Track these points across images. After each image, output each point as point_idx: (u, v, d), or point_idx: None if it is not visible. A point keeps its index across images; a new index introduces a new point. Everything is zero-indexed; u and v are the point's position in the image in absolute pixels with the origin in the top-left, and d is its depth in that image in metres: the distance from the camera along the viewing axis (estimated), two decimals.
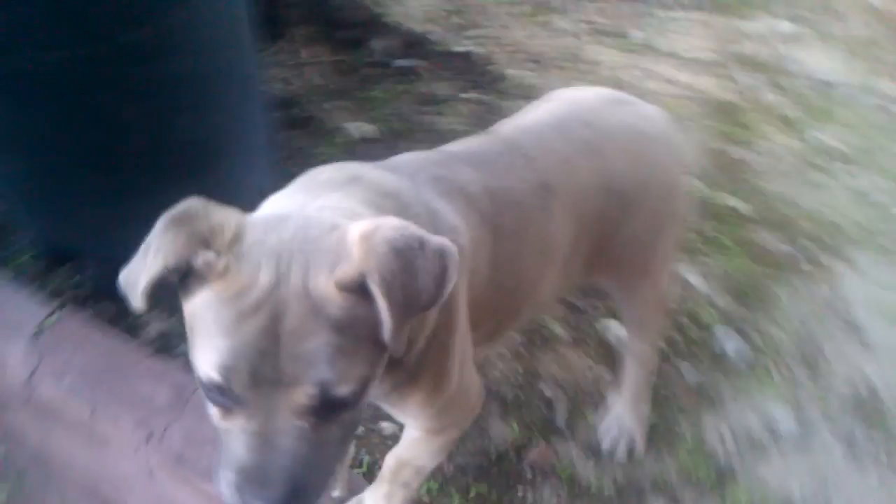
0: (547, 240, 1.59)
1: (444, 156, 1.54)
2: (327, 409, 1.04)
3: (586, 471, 2.17)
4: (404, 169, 1.42)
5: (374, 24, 3.28)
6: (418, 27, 3.34)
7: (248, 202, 2.31)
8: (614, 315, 2.47)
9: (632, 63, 3.36)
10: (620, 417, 2.21)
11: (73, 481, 2.22)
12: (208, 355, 1.02)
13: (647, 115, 1.80)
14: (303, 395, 1.02)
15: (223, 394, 1.03)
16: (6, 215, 2.51)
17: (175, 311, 2.40)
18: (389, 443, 2.14)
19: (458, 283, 1.36)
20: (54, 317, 2.16)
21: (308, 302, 1.01)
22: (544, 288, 1.67)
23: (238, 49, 2.22)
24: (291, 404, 1.02)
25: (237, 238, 1.05)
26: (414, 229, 1.07)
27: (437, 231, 1.30)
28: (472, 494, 2.09)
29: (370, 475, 2.05)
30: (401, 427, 2.14)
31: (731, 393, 2.36)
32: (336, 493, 1.84)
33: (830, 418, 2.31)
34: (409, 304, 1.04)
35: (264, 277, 1.02)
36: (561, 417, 2.28)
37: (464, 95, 3.14)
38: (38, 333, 2.13)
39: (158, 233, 1.07)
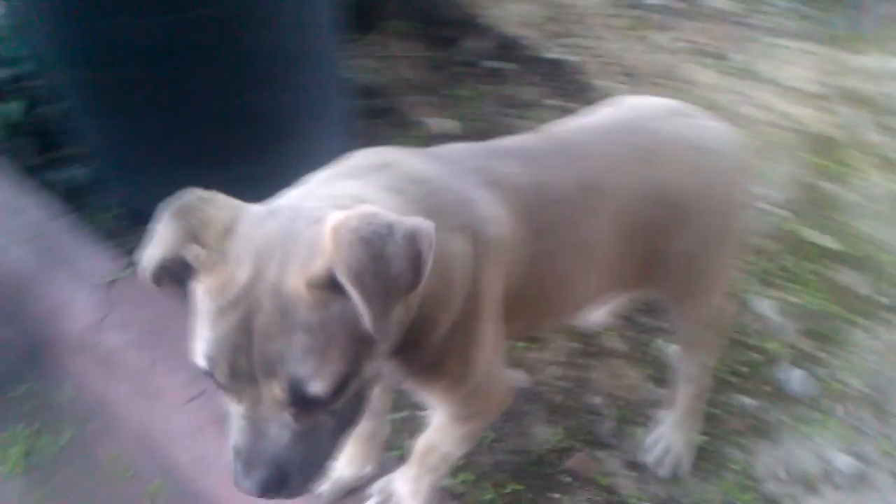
0: (590, 241, 1.58)
1: (491, 148, 1.54)
2: (304, 403, 1.07)
3: (627, 484, 2.13)
4: (446, 157, 1.43)
5: (468, 24, 3.31)
6: (512, 30, 3.35)
7: None
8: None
9: (729, 86, 3.28)
10: (669, 434, 2.16)
11: (129, 431, 2.32)
12: (197, 343, 1.07)
13: (711, 129, 1.76)
14: (277, 389, 1.05)
15: (212, 380, 1.08)
16: (95, 173, 2.64)
17: None
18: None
19: (488, 273, 1.38)
20: (126, 272, 2.25)
21: (279, 300, 1.03)
22: (585, 289, 1.66)
23: (318, 31, 2.29)
24: (270, 396, 1.06)
25: (227, 232, 1.08)
26: (383, 216, 1.06)
27: (469, 220, 1.33)
28: (507, 491, 2.08)
29: (404, 460, 2.07)
30: None
31: (788, 427, 2.28)
32: (367, 470, 1.86)
33: (892, 462, 2.20)
34: (386, 291, 1.03)
35: (242, 273, 1.05)
36: (607, 429, 2.24)
37: (548, 102, 3.13)
38: (109, 286, 2.23)
39: (159, 224, 1.11)
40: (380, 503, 1.82)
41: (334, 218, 1.05)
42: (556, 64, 3.29)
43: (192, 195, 1.11)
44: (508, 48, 3.31)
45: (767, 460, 2.20)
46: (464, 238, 1.31)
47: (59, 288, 2.25)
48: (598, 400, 2.29)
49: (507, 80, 3.21)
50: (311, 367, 1.03)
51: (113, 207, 2.58)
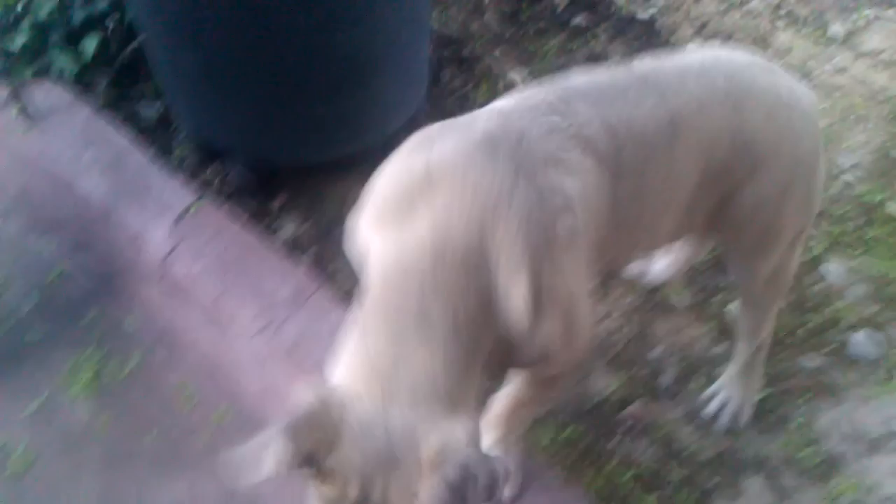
0: (669, 180, 1.58)
1: (563, 92, 1.52)
2: None
3: (684, 435, 2.14)
4: (515, 124, 1.43)
5: None
6: None
7: (396, 124, 2.41)
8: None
9: (825, 56, 3.21)
10: (728, 387, 2.16)
11: (193, 361, 2.37)
12: None
13: (794, 88, 1.74)
14: None
15: None
16: (169, 108, 2.68)
17: (305, 220, 2.53)
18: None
19: (580, 241, 1.41)
20: (198, 204, 2.29)
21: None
22: (662, 229, 1.66)
23: None
24: None
25: (334, 450, 1.22)
26: (474, 463, 1.18)
27: (542, 211, 1.36)
28: (563, 434, 2.10)
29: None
30: None
31: (850, 388, 2.26)
32: None
33: None
34: None
35: (352, 492, 1.21)
36: (666, 381, 2.25)
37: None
38: (181, 217, 2.27)
39: (273, 441, 1.20)
40: None
41: (430, 449, 1.18)
42: (648, 24, 3.24)
43: (300, 419, 1.22)
44: (600, 5, 3.25)
45: (828, 419, 2.19)
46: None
47: (132, 218, 2.29)
48: (657, 352, 2.30)
49: (596, 38, 3.17)
50: None
51: (186, 142, 2.62)
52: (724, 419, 2.15)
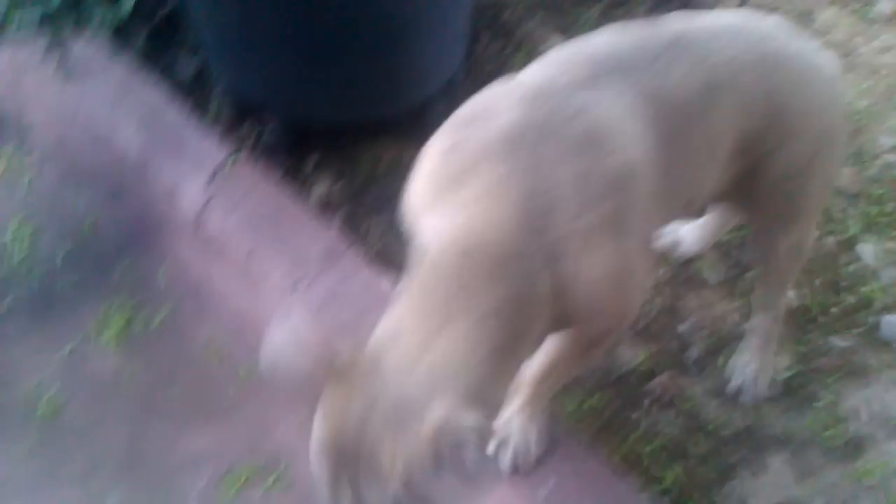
0: (708, 143, 1.56)
1: (592, 64, 1.49)
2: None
3: (709, 410, 2.13)
4: (544, 102, 1.41)
5: None
6: None
7: (433, 88, 2.40)
8: None
9: (869, 35, 3.15)
10: (746, 360, 2.17)
11: (223, 316, 2.40)
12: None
13: (819, 56, 1.73)
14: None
15: None
16: (206, 63, 2.68)
17: (338, 180, 2.53)
18: None
19: (636, 212, 1.40)
20: (232, 160, 2.30)
21: (376, 474, 1.18)
22: (700, 192, 1.65)
23: None
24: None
25: (344, 380, 1.23)
26: (470, 450, 1.14)
27: (594, 191, 1.34)
28: (585, 405, 2.11)
29: None
30: None
31: (878, 371, 2.24)
32: None
33: None
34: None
35: (349, 434, 1.20)
36: (692, 355, 2.24)
37: None
38: (216, 172, 2.28)
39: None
40: (494, 447, 1.78)
41: (432, 423, 1.15)
42: None
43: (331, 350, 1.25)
44: None
45: (855, 400, 2.18)
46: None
47: (167, 172, 2.31)
48: (687, 326, 2.29)
49: (637, 6, 3.13)
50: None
51: (222, 98, 2.62)
52: (747, 394, 2.15)
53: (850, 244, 2.52)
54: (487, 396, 1.28)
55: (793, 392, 2.18)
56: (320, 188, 2.46)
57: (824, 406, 2.16)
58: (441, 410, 1.16)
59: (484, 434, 1.18)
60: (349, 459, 1.19)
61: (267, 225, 2.19)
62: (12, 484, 2.08)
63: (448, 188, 1.38)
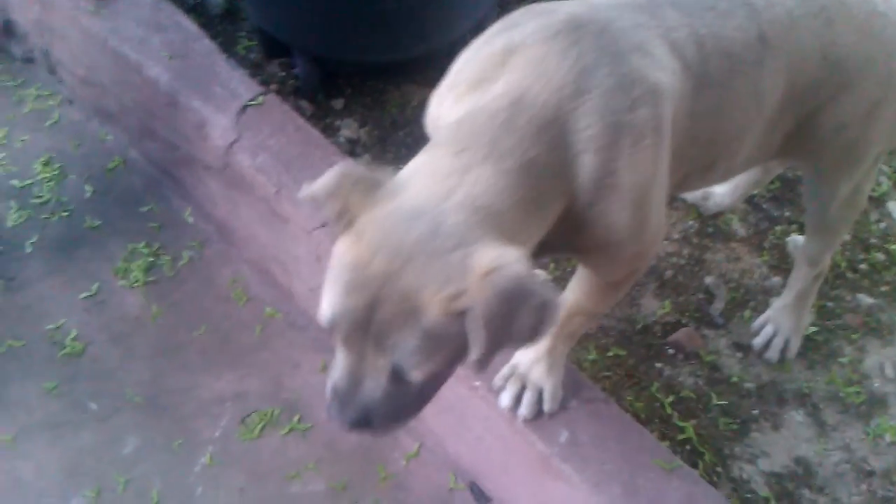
0: (754, 97, 1.53)
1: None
2: (399, 378, 1.21)
3: (731, 364, 2.14)
4: (602, 13, 1.38)
5: None
6: None
7: (463, 29, 2.37)
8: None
9: None
10: (779, 316, 2.14)
11: (249, 256, 2.41)
12: (324, 304, 1.21)
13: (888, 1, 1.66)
14: (382, 362, 1.19)
15: (329, 334, 1.23)
16: (234, 1, 2.66)
17: (365, 123, 2.52)
18: None
19: (661, 135, 1.36)
20: (259, 100, 2.28)
21: (408, 304, 1.13)
22: (742, 148, 1.61)
23: None
24: (374, 363, 1.20)
25: (367, 207, 1.18)
26: (526, 281, 1.13)
27: (629, 96, 1.31)
28: (609, 355, 2.11)
29: None
30: (555, 276, 2.19)
31: None
32: None
33: None
34: (499, 342, 1.15)
35: (378, 264, 1.14)
36: (717, 308, 2.23)
37: None
38: (245, 108, 2.27)
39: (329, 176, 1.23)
40: (515, 393, 1.79)
41: (483, 261, 1.12)
42: None
43: (361, 168, 1.23)
44: None
45: (876, 359, 2.17)
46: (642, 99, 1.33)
47: (197, 106, 2.29)
48: (710, 280, 2.28)
49: None
50: (416, 361, 1.17)
51: (251, 35, 2.61)
52: (774, 351, 2.14)
53: (881, 201, 2.49)
54: (522, 239, 1.26)
55: (817, 347, 2.18)
56: (348, 130, 2.45)
57: (848, 362, 2.16)
58: (488, 247, 1.14)
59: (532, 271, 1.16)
60: (378, 281, 1.14)
61: (295, 164, 2.18)
62: (36, 422, 2.12)
63: (491, 69, 1.36)
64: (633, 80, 1.33)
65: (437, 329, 1.14)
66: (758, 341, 2.16)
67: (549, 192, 1.30)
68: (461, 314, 1.12)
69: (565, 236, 1.38)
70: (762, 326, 2.17)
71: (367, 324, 1.16)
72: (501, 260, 1.12)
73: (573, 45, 1.31)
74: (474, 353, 1.14)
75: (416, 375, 1.19)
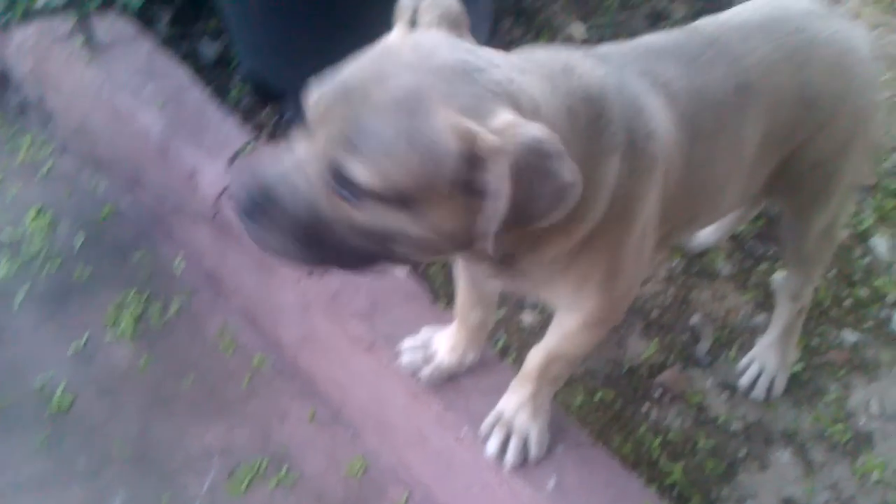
0: (739, 143, 1.57)
1: (648, 49, 1.52)
2: (337, 179, 1.07)
3: (717, 404, 2.15)
4: (615, 60, 1.41)
5: None
6: None
7: None
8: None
9: (893, 26, 3.12)
10: (764, 354, 2.17)
11: (237, 305, 2.42)
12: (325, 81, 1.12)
13: (852, 34, 1.72)
14: (333, 144, 1.06)
15: (301, 116, 1.13)
16: (227, 48, 2.70)
17: None
18: (527, 332, 2.19)
19: (646, 185, 1.38)
20: (250, 147, 2.31)
21: (412, 102, 1.04)
22: (727, 194, 1.66)
23: None
24: (322, 147, 1.08)
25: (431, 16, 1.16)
26: (558, 154, 1.05)
27: (633, 135, 1.32)
28: (596, 398, 2.13)
29: (502, 356, 2.12)
30: (541, 320, 2.21)
31: (887, 365, 2.25)
32: (469, 359, 1.90)
33: None
34: (520, 209, 1.05)
35: (408, 56, 1.09)
36: (703, 348, 2.25)
37: None
38: (236, 157, 2.29)
39: None
40: (502, 440, 1.78)
41: (515, 117, 1.05)
42: None
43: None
44: None
45: (862, 395, 2.19)
46: (617, 157, 1.30)
47: (187, 155, 2.31)
48: (696, 319, 2.30)
49: None
50: (378, 158, 1.04)
51: (243, 82, 2.64)
52: (760, 391, 2.16)
53: (864, 237, 2.51)
54: None
55: (802, 385, 2.20)
56: None
57: (833, 400, 2.17)
58: (507, 110, 1.07)
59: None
60: (398, 66, 1.08)
61: None
62: (23, 480, 2.11)
63: None
64: (644, 117, 1.36)
65: (429, 145, 1.04)
66: (743, 381, 2.18)
67: (574, 144, 1.19)
68: (469, 157, 1.04)
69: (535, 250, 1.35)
70: (748, 366, 2.19)
71: (350, 102, 1.07)
72: (534, 126, 1.05)
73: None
74: (489, 217, 1.05)
75: (360, 173, 1.05)
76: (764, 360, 2.17)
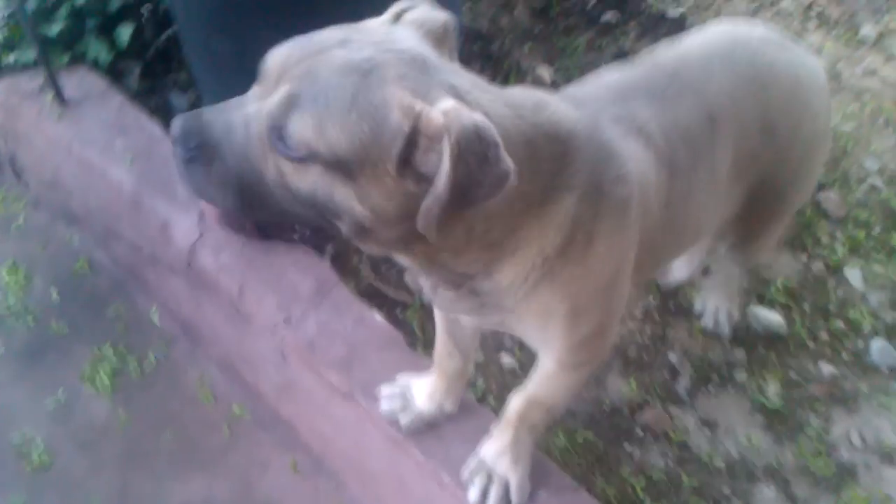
0: (714, 174, 1.59)
1: (616, 90, 1.52)
2: (276, 135, 1.07)
3: (700, 441, 2.14)
4: (590, 105, 1.42)
5: None
6: None
7: None
8: (761, 300, 2.43)
9: (855, 58, 3.19)
10: (716, 295, 2.33)
11: (215, 355, 2.41)
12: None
13: (806, 62, 1.76)
14: (278, 100, 1.06)
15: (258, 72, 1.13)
16: (197, 100, 2.71)
17: None
18: (507, 376, 2.19)
19: (614, 229, 1.36)
20: None
21: (371, 77, 1.05)
22: (704, 224, 1.69)
23: None
24: (268, 104, 1.07)
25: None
26: (495, 140, 1.05)
27: (599, 179, 1.32)
28: (579, 440, 2.11)
29: (482, 400, 2.11)
30: (521, 362, 2.20)
31: (867, 396, 2.25)
32: (447, 407, 1.89)
33: None
34: (461, 191, 1.05)
35: (378, 34, 1.11)
36: (683, 386, 2.25)
37: None
38: (204, 211, 2.29)
39: None
40: (483, 487, 1.76)
41: (458, 102, 1.06)
42: (677, 22, 3.22)
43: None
44: (629, 3, 3.25)
45: (843, 428, 2.19)
46: (574, 197, 1.29)
47: (160, 207, 2.31)
48: (674, 357, 2.30)
49: (625, 36, 3.16)
50: (321, 115, 1.04)
51: None
52: (724, 327, 2.33)
53: (837, 268, 2.53)
54: None
55: (783, 420, 2.19)
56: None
57: (815, 434, 2.17)
58: (455, 102, 1.07)
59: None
60: (364, 42, 1.09)
61: (258, 260, 2.20)
62: None
63: None
64: (614, 162, 1.36)
65: (374, 114, 1.04)
66: (707, 322, 2.35)
67: (525, 172, 1.17)
68: (418, 136, 1.04)
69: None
70: (704, 308, 2.37)
71: (306, 62, 1.07)
72: (477, 114, 1.06)
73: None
74: (433, 194, 1.04)
75: (300, 128, 1.05)
76: (716, 300, 2.33)
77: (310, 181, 1.09)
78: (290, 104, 1.05)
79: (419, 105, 1.05)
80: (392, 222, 1.13)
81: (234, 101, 1.13)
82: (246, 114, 1.11)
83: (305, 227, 1.14)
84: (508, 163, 1.06)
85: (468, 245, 1.24)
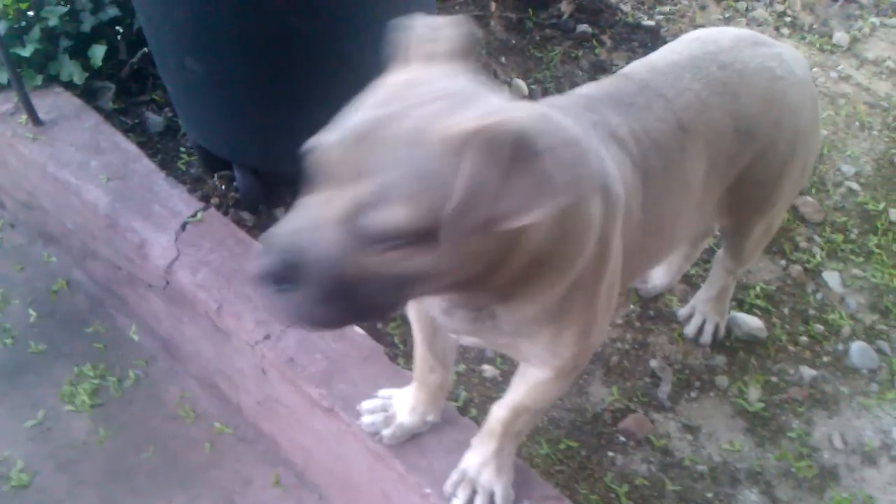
0: (685, 180, 1.60)
1: (589, 100, 1.53)
2: (355, 233, 1.00)
3: (682, 447, 2.15)
4: (571, 112, 1.41)
5: None
6: None
7: None
8: (740, 305, 2.44)
9: (828, 64, 3.23)
10: (704, 307, 2.33)
11: (195, 372, 2.40)
12: (330, 131, 1.06)
13: (784, 57, 1.76)
14: (340, 201, 1.00)
15: (308, 171, 1.06)
16: (172, 119, 2.70)
17: None
18: (488, 385, 2.18)
19: (615, 230, 1.39)
20: (199, 216, 2.31)
21: (414, 135, 0.99)
22: (680, 229, 1.69)
23: None
24: (336, 205, 1.00)
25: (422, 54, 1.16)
26: (544, 140, 1.00)
27: (604, 180, 1.33)
28: (561, 447, 2.11)
29: (464, 411, 2.11)
30: (502, 371, 2.20)
31: (847, 398, 2.27)
32: (429, 419, 1.89)
33: None
34: (477, 201, 0.98)
35: (414, 95, 1.04)
36: (664, 392, 2.25)
37: None
38: (186, 225, 2.29)
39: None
40: (466, 499, 1.75)
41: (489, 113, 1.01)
42: (652, 31, 3.25)
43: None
44: (604, 13, 3.25)
45: (824, 430, 2.20)
46: (599, 198, 1.31)
47: (137, 226, 2.30)
48: (655, 363, 2.30)
49: (601, 46, 3.17)
50: (407, 203, 0.97)
51: (191, 151, 2.64)
52: (707, 336, 2.34)
53: (816, 272, 2.55)
54: None
55: (765, 423, 2.20)
56: None
57: (796, 436, 2.18)
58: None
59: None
60: (405, 104, 1.02)
61: (233, 280, 2.19)
62: None
63: None
64: (607, 164, 1.37)
65: (426, 166, 0.98)
66: (689, 330, 2.36)
67: None
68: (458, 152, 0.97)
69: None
70: (689, 315, 2.38)
71: (362, 150, 1.00)
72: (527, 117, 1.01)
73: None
74: (458, 194, 0.97)
75: (389, 221, 0.97)
76: (705, 312, 2.33)
77: (399, 262, 1.03)
78: (377, 199, 0.98)
79: (453, 124, 0.99)
80: (477, 259, 1.09)
81: (304, 215, 1.04)
82: (315, 223, 1.03)
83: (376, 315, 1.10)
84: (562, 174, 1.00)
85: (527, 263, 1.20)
